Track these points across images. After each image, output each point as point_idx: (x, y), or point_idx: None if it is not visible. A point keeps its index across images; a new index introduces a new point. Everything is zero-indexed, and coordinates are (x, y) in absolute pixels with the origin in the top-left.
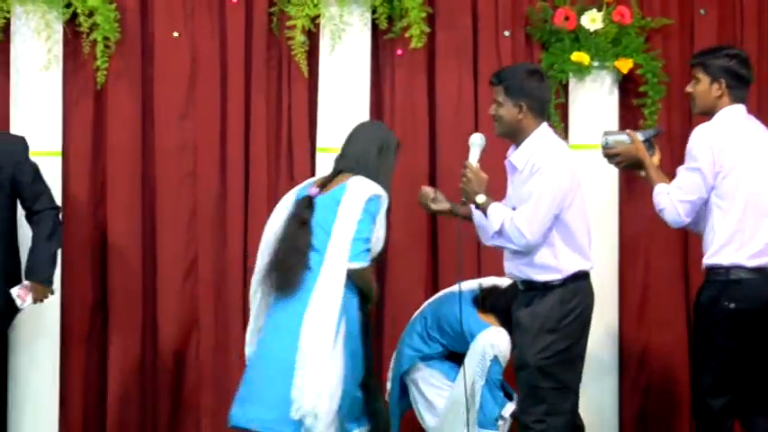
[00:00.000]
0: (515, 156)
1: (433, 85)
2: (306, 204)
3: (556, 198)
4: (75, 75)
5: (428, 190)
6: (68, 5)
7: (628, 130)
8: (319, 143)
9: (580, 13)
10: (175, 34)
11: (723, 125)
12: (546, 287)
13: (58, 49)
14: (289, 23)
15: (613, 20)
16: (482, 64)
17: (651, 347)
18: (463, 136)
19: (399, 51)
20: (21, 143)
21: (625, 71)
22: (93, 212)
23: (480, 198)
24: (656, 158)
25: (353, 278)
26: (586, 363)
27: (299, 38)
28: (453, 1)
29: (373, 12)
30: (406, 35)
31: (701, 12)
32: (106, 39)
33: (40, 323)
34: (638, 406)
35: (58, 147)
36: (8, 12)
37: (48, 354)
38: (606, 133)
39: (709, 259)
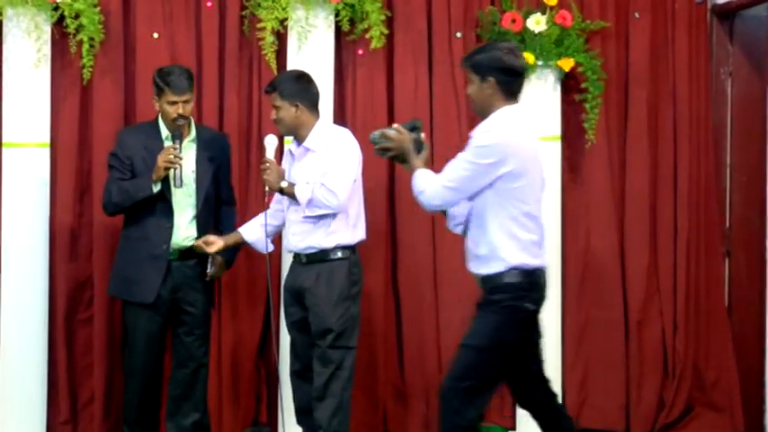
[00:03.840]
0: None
1: (391, 82)
2: None
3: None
4: (63, 72)
5: (199, 243)
6: (56, 8)
7: (395, 125)
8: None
9: (526, 16)
10: (155, 35)
11: (503, 126)
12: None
13: (47, 49)
14: (259, 26)
15: (556, 22)
16: (436, 62)
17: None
18: None
19: (360, 51)
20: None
21: (567, 69)
22: (80, 200)
23: (284, 184)
24: (424, 153)
25: None
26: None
27: (269, 38)
28: (410, 5)
29: (336, 15)
30: (367, 36)
31: (636, 15)
32: (91, 39)
33: (30, 304)
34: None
35: (47, 139)
36: (0, 14)
37: (36, 330)
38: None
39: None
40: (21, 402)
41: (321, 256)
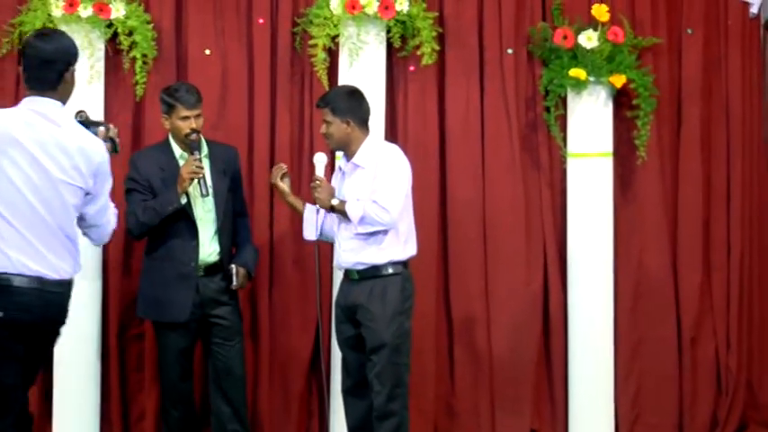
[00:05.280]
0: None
1: (442, 98)
2: None
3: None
4: (116, 88)
5: (284, 167)
6: (110, 25)
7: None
8: (338, 152)
9: (577, 32)
10: (207, 52)
11: None
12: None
13: (101, 66)
14: (311, 42)
15: (608, 39)
16: (487, 79)
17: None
18: (471, 144)
19: (412, 68)
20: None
21: (619, 86)
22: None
23: (335, 201)
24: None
25: None
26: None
27: (321, 55)
28: (461, 21)
29: (388, 31)
30: (418, 53)
31: (689, 31)
32: (144, 56)
33: (83, 320)
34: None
35: None
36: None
37: (89, 346)
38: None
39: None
40: (75, 418)
41: (374, 273)
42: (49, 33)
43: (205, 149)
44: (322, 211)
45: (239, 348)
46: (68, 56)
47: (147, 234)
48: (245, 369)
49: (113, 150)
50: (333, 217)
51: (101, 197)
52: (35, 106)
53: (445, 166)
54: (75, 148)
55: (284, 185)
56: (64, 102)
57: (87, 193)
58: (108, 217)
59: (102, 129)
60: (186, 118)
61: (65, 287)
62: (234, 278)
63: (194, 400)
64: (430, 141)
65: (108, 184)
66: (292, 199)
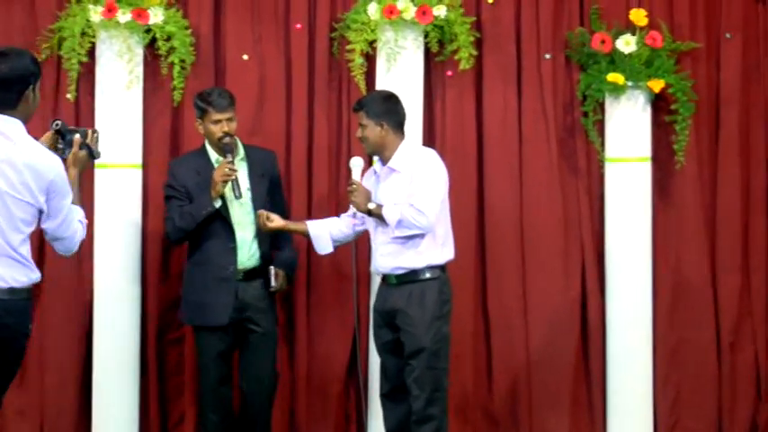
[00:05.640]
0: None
1: (480, 103)
2: None
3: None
4: (154, 94)
5: (261, 212)
6: (148, 31)
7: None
8: (376, 157)
9: (615, 37)
10: (245, 57)
11: None
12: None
13: (139, 71)
14: (348, 47)
15: (646, 43)
16: (525, 84)
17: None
18: (509, 149)
19: (449, 72)
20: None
21: (657, 90)
22: None
23: (371, 205)
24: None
25: None
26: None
27: (358, 60)
28: (499, 26)
29: (425, 36)
30: (456, 58)
31: (727, 35)
32: (182, 61)
33: (123, 324)
34: None
35: (139, 160)
36: (94, 37)
37: (129, 349)
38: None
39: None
40: (114, 421)
41: (412, 277)
42: (7, 53)
43: (241, 153)
44: (327, 223)
45: (271, 356)
46: (26, 75)
47: (185, 239)
48: (274, 377)
49: (91, 157)
50: (346, 221)
51: (59, 213)
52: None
53: (483, 172)
54: (24, 165)
55: (276, 224)
56: (25, 119)
57: (41, 210)
58: (73, 229)
59: (77, 136)
60: (218, 121)
61: (17, 294)
62: (272, 280)
63: (232, 404)
64: (467, 146)
65: (66, 200)
66: (292, 226)
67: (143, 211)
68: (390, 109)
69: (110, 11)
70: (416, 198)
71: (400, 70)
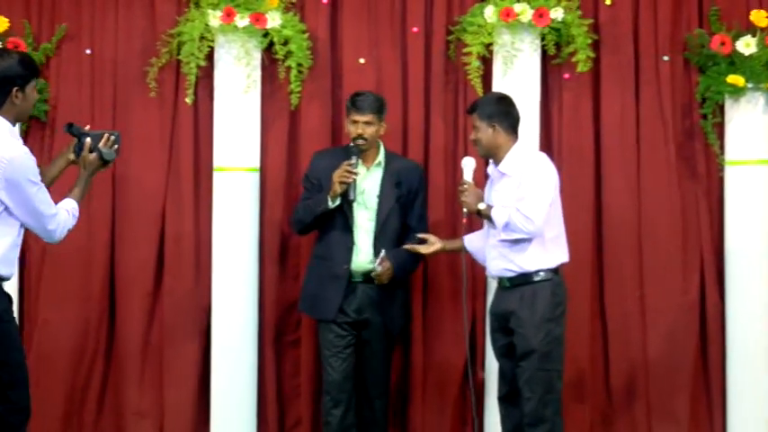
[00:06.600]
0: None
1: (597, 105)
2: None
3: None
4: (272, 97)
5: (421, 236)
6: (266, 35)
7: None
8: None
9: (735, 38)
10: (361, 60)
11: None
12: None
13: (257, 75)
14: (465, 50)
15: (767, 45)
16: (643, 86)
17: None
18: (627, 152)
19: (566, 75)
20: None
21: None
22: (288, 223)
23: (481, 206)
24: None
25: None
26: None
27: (474, 63)
28: (617, 28)
29: (542, 39)
30: (573, 60)
31: None
32: (299, 65)
33: (241, 325)
34: None
35: (257, 163)
36: (212, 41)
37: (247, 351)
38: None
39: None
40: (232, 423)
41: (523, 279)
42: None
43: (380, 158)
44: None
45: (386, 358)
46: (10, 76)
47: (306, 230)
48: (388, 382)
49: (102, 160)
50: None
51: (20, 206)
52: None
53: (600, 174)
54: None
55: (435, 247)
56: (14, 119)
57: (2, 203)
58: (44, 224)
59: (87, 140)
60: (355, 122)
61: None
62: (377, 263)
63: (354, 402)
64: (584, 149)
65: (25, 194)
66: (449, 245)
67: (260, 214)
68: (502, 111)
69: (228, 15)
70: (524, 203)
71: (517, 73)
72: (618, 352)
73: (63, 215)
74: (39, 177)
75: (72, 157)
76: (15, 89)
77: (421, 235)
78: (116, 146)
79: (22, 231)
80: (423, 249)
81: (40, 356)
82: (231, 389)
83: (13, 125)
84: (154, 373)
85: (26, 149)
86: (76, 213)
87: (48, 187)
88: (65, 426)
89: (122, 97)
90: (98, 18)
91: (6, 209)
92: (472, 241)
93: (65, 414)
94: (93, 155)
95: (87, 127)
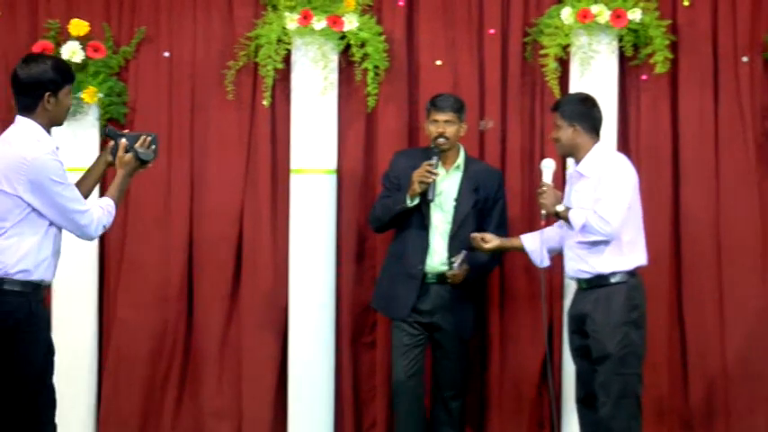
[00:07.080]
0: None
1: (675, 107)
2: None
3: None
4: (349, 100)
5: (475, 235)
6: (343, 38)
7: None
8: (568, 161)
9: None
10: (438, 62)
11: None
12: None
13: (334, 77)
14: (542, 52)
15: None
16: (722, 87)
17: None
18: (705, 154)
19: (644, 76)
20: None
21: None
22: (365, 225)
23: (560, 207)
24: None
25: None
26: None
27: (552, 65)
28: (695, 29)
29: (620, 40)
30: (651, 61)
31: None
32: (376, 67)
33: (318, 327)
34: None
35: (334, 165)
36: (289, 44)
37: (324, 352)
38: None
39: None
40: (310, 424)
41: (599, 281)
42: (34, 59)
43: (460, 161)
44: (542, 235)
45: (460, 359)
46: (43, 81)
47: (382, 229)
48: (464, 384)
49: (138, 160)
50: (552, 229)
51: (49, 206)
52: (15, 125)
53: (678, 176)
54: (8, 159)
55: (492, 244)
56: (48, 123)
57: (29, 204)
58: (75, 221)
59: (123, 140)
60: (435, 121)
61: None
62: (456, 262)
63: (423, 403)
64: (662, 151)
65: (50, 194)
66: (508, 243)
67: (337, 216)
68: (584, 111)
69: (305, 18)
70: (602, 205)
71: (594, 75)
72: (696, 357)
73: (97, 212)
74: (64, 176)
75: (109, 158)
76: (48, 94)
77: (475, 234)
78: (153, 146)
79: (58, 235)
80: (484, 245)
81: (119, 357)
82: (308, 390)
83: (48, 130)
84: (232, 374)
85: (49, 150)
86: (112, 210)
87: (91, 189)
88: (143, 426)
89: (200, 100)
90: (176, 21)
91: (34, 210)
92: (527, 240)
93: (143, 414)
94: (129, 155)
95: (126, 131)
